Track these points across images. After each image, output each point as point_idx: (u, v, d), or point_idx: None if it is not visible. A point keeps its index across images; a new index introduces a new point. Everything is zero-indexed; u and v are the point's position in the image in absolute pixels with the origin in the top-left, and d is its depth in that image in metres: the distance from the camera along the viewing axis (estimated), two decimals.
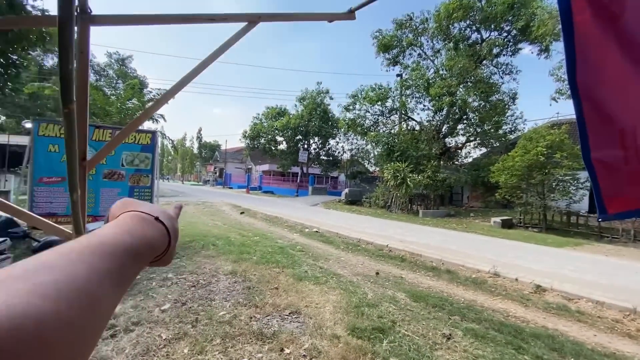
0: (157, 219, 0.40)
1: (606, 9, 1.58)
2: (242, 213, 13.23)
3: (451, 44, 19.19)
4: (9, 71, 4.65)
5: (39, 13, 4.50)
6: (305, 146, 30.88)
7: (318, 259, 5.96)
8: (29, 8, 4.35)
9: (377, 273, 5.41)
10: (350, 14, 1.81)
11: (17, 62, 4.71)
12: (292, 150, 30.34)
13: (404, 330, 3.24)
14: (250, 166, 42.08)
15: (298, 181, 30.18)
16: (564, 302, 4.43)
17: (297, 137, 30.53)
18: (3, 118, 31.14)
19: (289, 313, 3.51)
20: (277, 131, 30.49)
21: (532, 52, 18.13)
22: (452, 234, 10.11)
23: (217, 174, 49.90)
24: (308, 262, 5.67)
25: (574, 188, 11.83)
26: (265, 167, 36.33)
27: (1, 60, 4.53)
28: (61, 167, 5.42)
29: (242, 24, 1.48)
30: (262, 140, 31.81)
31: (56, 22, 0.67)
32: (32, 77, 17.55)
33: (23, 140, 20.09)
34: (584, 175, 10.66)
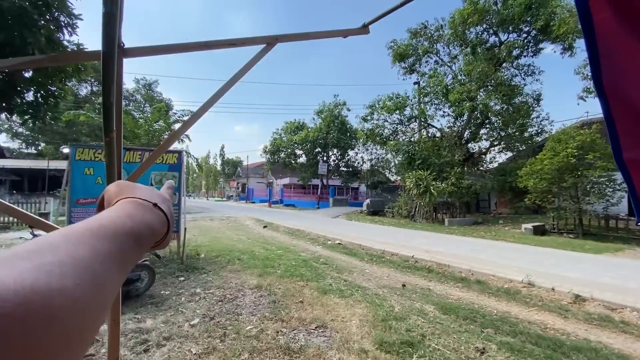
0: (155, 205, 0.40)
1: (627, 5, 1.54)
2: (265, 227, 13.38)
3: (468, 49, 18.94)
4: (48, 101, 5.03)
5: (75, 48, 4.86)
6: (325, 158, 31.06)
7: (342, 272, 5.91)
8: (65, 43, 4.72)
9: (404, 285, 5.28)
10: (364, 29, 1.86)
11: (56, 92, 5.09)
12: (312, 162, 30.61)
13: (434, 344, 3.13)
14: (271, 180, 42.72)
15: (319, 193, 30.25)
16: (607, 312, 4.13)
17: (316, 150, 30.80)
18: (43, 145, 33.57)
19: (315, 327, 3.48)
20: (296, 145, 30.94)
21: (554, 52, 17.48)
22: (481, 243, 9.73)
23: (240, 189, 50.98)
24: (332, 275, 5.63)
25: (610, 190, 11.12)
26: (286, 180, 36.77)
27: (42, 92, 4.91)
28: (95, 188, 5.75)
29: (261, 46, 1.56)
30: (282, 155, 32.33)
31: (97, 58, 0.75)
32: (69, 105, 18.92)
33: (60, 164, 21.51)
34: (620, 176, 10.03)
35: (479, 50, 18.39)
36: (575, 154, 10.79)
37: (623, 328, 3.74)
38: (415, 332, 3.39)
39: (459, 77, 18.94)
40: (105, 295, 0.26)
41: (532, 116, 17.99)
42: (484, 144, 20.36)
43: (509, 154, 20.09)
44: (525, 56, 18.46)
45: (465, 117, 19.18)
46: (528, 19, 16.56)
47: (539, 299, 4.66)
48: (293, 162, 32.52)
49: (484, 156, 20.72)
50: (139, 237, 0.33)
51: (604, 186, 11.15)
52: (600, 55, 1.73)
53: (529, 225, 11.97)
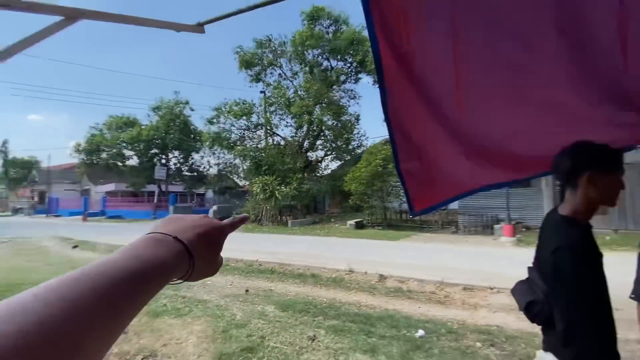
0: (175, 238, 0.38)
1: (402, 56, 2.09)
2: (74, 247, 10.57)
3: (307, 68, 21.22)
4: None
5: None
6: (163, 161, 27.62)
7: (180, 288, 5.35)
8: None
9: (247, 290, 5.30)
10: (199, 27, 1.75)
11: None
12: (147, 166, 26.56)
13: (273, 343, 3.28)
14: (87, 187, 34.33)
15: (155, 201, 26.53)
16: (399, 285, 5.48)
17: (153, 151, 26.99)
18: None
19: (142, 359, 2.99)
20: (125, 144, 26.14)
21: (368, 82, 21.99)
22: (317, 240, 10.99)
23: (37, 199, 38.47)
24: (167, 294, 5.02)
25: (403, 191, 14.90)
26: (111, 187, 30.32)
27: None
28: None
29: (57, 18, 1.22)
30: (104, 155, 26.66)
31: None
32: None
33: None
34: None
35: (316, 71, 20.92)
36: (381, 164, 13.87)
37: (409, 295, 5.04)
38: (256, 335, 3.45)
39: (299, 93, 20.92)
40: (87, 355, 0.25)
41: (354, 132, 21.89)
42: (320, 153, 23.24)
43: (339, 163, 23.72)
44: (349, 82, 22.29)
45: (304, 129, 21.32)
46: (351, 52, 20.12)
47: (357, 283, 5.67)
48: (120, 164, 27.33)
49: (320, 164, 23.60)
50: (142, 278, 0.31)
51: (399, 188, 14.81)
52: (387, 91, 2.24)
53: (352, 222, 14.45)
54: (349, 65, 21.49)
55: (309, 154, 22.64)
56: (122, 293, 0.28)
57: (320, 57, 21.52)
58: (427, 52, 2.02)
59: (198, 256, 0.40)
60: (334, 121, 20.62)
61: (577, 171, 1.19)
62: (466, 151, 2.35)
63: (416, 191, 2.45)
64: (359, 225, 14.38)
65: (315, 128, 20.95)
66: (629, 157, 2.85)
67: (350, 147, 21.77)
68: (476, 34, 1.85)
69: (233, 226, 0.51)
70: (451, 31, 1.84)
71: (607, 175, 1.16)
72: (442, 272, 5.79)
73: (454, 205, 13.17)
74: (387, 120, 2.23)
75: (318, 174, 23.24)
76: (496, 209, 11.94)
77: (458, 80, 2.03)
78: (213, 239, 0.45)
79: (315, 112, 19.60)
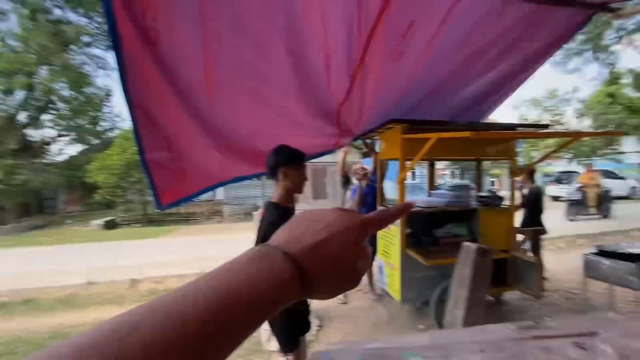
0: (285, 253, 0.29)
1: (146, 31, 1.84)
2: None
3: (26, 11, 14.96)
4: None
5: None
6: None
7: None
8: None
9: None
10: None
11: None
12: None
13: None
14: None
15: None
16: (155, 287, 4.98)
17: None
18: None
19: None
20: None
21: None
22: (39, 251, 8.09)
23: None
24: None
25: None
26: None
27: None
28: None
29: None
30: None
31: None
32: None
33: None
34: None
35: (42, 19, 15.16)
36: None
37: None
38: None
39: (10, 43, 14.54)
40: None
41: (104, 110, 17.81)
42: (50, 132, 17.22)
43: (82, 148, 18.57)
44: (96, 47, 17.78)
45: (20, 96, 15.07)
46: (99, 11, 16.13)
47: (99, 296, 4.64)
48: None
49: (48, 147, 17.52)
50: (215, 316, 0.24)
51: None
52: (126, 67, 1.91)
53: (100, 221, 11.82)
54: (97, 26, 17.13)
55: (29, 131, 16.26)
56: (173, 346, 0.22)
57: (49, 2, 15.82)
58: (174, 36, 1.89)
59: (317, 272, 0.30)
60: (72, 92, 15.88)
61: (277, 167, 1.53)
62: (217, 144, 2.44)
63: (165, 183, 2.29)
64: (110, 225, 11.95)
65: (40, 97, 15.28)
66: (331, 157, 3.98)
67: (99, 128, 17.60)
68: (224, 33, 1.93)
69: (383, 220, 0.34)
70: (199, 21, 1.81)
71: (296, 170, 1.55)
72: (204, 263, 5.81)
73: (220, 195, 13.73)
74: (129, 102, 1.91)
75: (46, 161, 17.17)
76: (255, 197, 13.52)
77: (207, 74, 2.05)
78: (343, 245, 0.31)
79: (39, 74, 14.28)
